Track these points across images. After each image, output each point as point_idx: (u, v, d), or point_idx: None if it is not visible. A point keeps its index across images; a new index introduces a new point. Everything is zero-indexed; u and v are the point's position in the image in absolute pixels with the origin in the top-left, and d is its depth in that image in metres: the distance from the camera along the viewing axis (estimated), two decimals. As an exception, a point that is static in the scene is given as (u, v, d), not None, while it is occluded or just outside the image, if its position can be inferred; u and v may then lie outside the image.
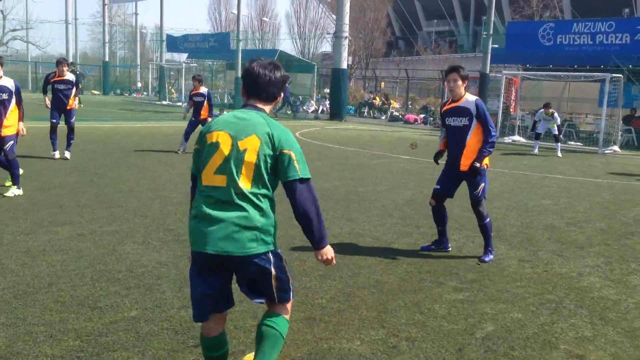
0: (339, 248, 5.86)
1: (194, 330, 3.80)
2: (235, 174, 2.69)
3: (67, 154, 11.12)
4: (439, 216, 5.96)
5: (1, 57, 7.93)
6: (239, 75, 32.20)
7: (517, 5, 39.59)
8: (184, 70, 36.54)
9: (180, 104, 33.54)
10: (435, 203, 5.92)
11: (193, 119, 12.70)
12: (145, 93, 42.52)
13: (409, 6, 53.49)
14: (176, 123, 21.46)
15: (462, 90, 5.61)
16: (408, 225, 6.95)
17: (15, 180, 7.73)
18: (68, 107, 11.18)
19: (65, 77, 11.12)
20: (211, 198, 2.71)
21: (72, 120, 11.27)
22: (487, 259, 5.68)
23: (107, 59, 42.40)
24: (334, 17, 36.69)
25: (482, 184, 5.66)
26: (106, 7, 42.85)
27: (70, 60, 41.38)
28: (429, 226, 6.55)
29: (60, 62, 11.36)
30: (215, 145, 2.71)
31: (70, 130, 11.22)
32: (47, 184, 8.40)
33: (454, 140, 5.72)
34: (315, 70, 35.67)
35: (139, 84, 45.16)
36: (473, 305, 4.44)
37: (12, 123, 7.72)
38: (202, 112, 12.60)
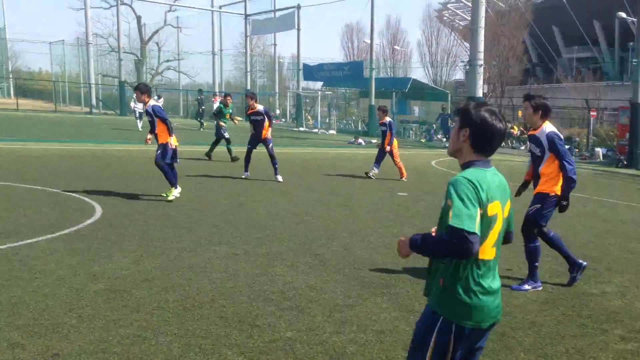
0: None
1: (347, 357, 3.86)
2: (500, 244, 2.64)
3: (279, 178, 11.94)
4: (552, 244, 5.82)
5: (148, 87, 9.37)
6: (372, 102, 32.66)
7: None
8: (319, 97, 37.77)
9: (316, 130, 34.61)
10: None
11: (381, 148, 13.30)
12: (283, 119, 44.48)
13: (546, 32, 50.91)
14: (312, 149, 22.20)
15: (535, 119, 5.58)
16: (561, 264, 6.52)
17: (170, 184, 9.08)
18: (263, 137, 12.01)
19: (257, 109, 12.06)
20: (490, 271, 2.60)
21: (270, 146, 12.01)
22: (522, 287, 5.50)
23: (248, 87, 45.05)
24: (466, 45, 36.03)
25: (538, 205, 5.54)
26: (248, 38, 45.68)
27: (217, 89, 44.47)
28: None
29: (248, 95, 12.56)
30: (496, 218, 2.57)
31: (272, 157, 11.99)
32: (204, 205, 9.04)
33: (534, 167, 5.77)
34: (449, 98, 35.16)
35: (278, 111, 47.30)
36: (646, 359, 4.06)
37: (159, 136, 9.07)
38: (385, 141, 13.10)
